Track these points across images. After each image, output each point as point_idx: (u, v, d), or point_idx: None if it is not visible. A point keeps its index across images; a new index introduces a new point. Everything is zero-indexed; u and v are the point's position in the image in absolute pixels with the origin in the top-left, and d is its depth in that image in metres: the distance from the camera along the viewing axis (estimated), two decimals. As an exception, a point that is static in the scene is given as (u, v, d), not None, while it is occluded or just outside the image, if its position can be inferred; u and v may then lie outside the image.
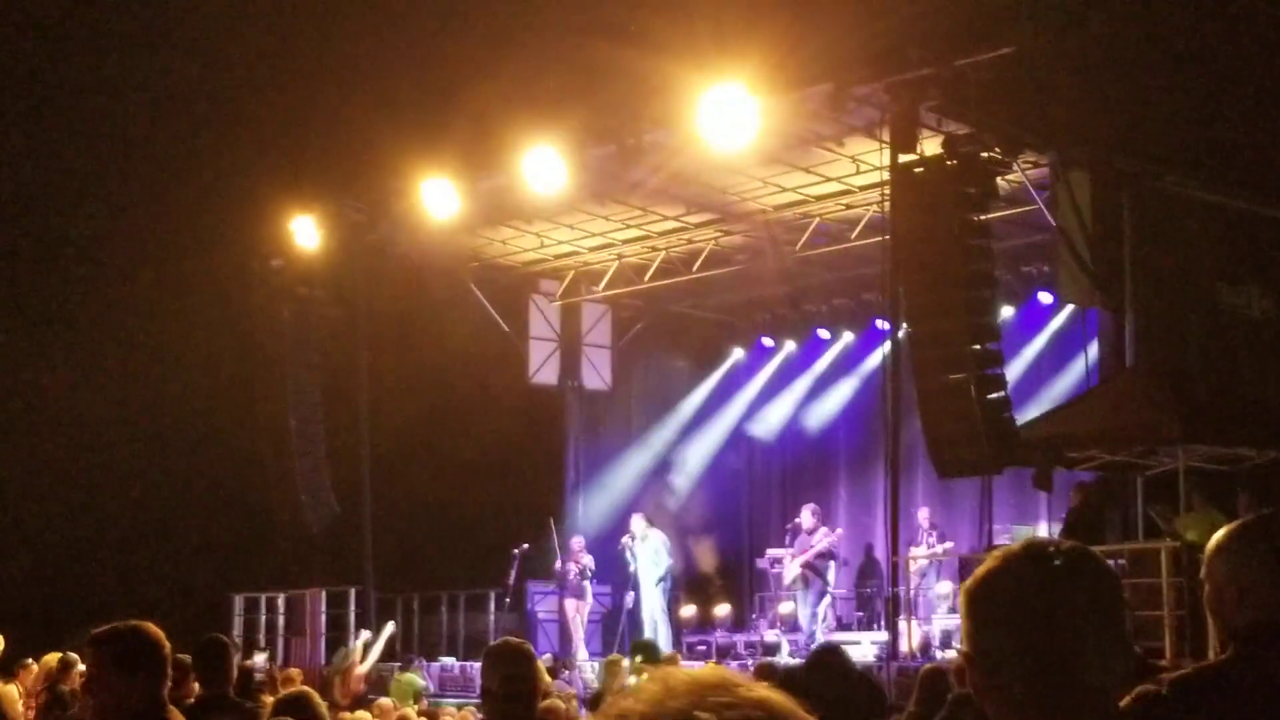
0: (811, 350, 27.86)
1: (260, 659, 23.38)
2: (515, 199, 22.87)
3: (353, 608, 24.93)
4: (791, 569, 22.35)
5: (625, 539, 23.43)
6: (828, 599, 22.53)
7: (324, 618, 25.25)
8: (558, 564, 24.06)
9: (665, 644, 21.97)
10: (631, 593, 23.40)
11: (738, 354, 28.90)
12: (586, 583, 23.85)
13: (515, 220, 24.43)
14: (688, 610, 25.13)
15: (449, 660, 23.96)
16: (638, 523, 23.52)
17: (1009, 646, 2.53)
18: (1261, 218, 20.09)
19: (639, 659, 12.24)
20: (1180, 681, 3.81)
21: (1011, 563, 2.60)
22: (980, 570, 2.62)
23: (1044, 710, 2.48)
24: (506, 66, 23.92)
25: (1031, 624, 2.52)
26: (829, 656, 6.56)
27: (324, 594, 25.28)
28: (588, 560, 23.95)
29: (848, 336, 27.12)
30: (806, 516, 22.79)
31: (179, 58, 27.52)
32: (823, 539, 22.31)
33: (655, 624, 23.16)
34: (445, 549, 25.72)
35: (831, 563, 22.59)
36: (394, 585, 24.96)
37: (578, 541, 24.13)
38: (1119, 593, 2.61)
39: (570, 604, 23.84)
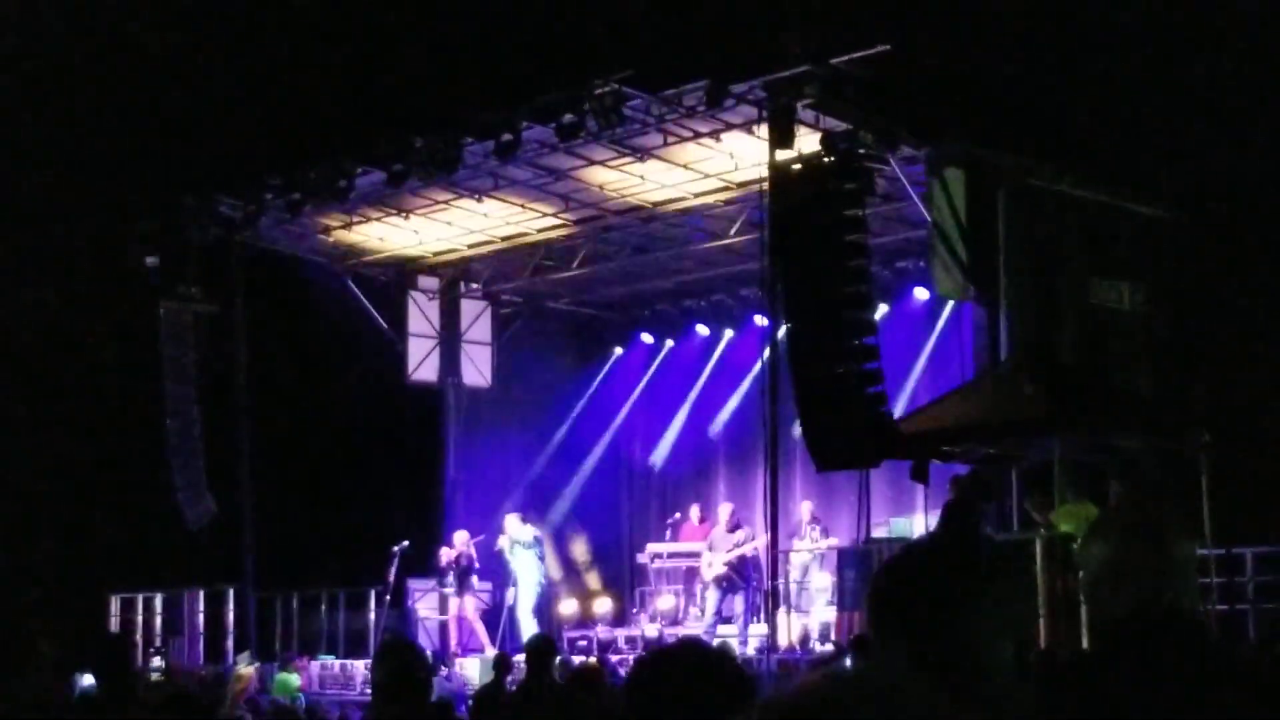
0: (691, 346, 27.98)
1: (157, 662, 23.28)
2: (392, 194, 22.87)
3: (231, 607, 24.74)
4: (715, 566, 22.29)
5: (502, 539, 23.36)
6: (747, 594, 22.45)
7: (202, 617, 25.04)
8: (444, 559, 23.78)
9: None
10: (513, 589, 23.37)
11: (618, 350, 28.95)
12: (473, 577, 23.76)
13: (392, 216, 24.35)
14: (568, 606, 25.18)
15: (329, 659, 23.84)
16: (513, 523, 23.45)
17: (903, 638, 2.59)
18: (1131, 213, 20.45)
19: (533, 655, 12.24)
20: (1062, 671, 3.87)
21: (910, 557, 2.66)
22: (883, 565, 2.68)
23: (941, 696, 2.54)
24: (382, 59, 23.87)
25: (924, 617, 2.58)
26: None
27: (202, 594, 25.06)
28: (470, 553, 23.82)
29: (727, 333, 27.25)
30: (724, 513, 22.94)
31: (50, 39, 27.10)
32: (747, 544, 22.22)
33: (528, 623, 23.07)
34: (325, 547, 25.54)
35: (756, 558, 22.64)
36: (273, 584, 24.78)
37: (460, 536, 23.96)
38: (1013, 583, 2.67)
39: (454, 601, 23.66)
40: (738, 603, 22.28)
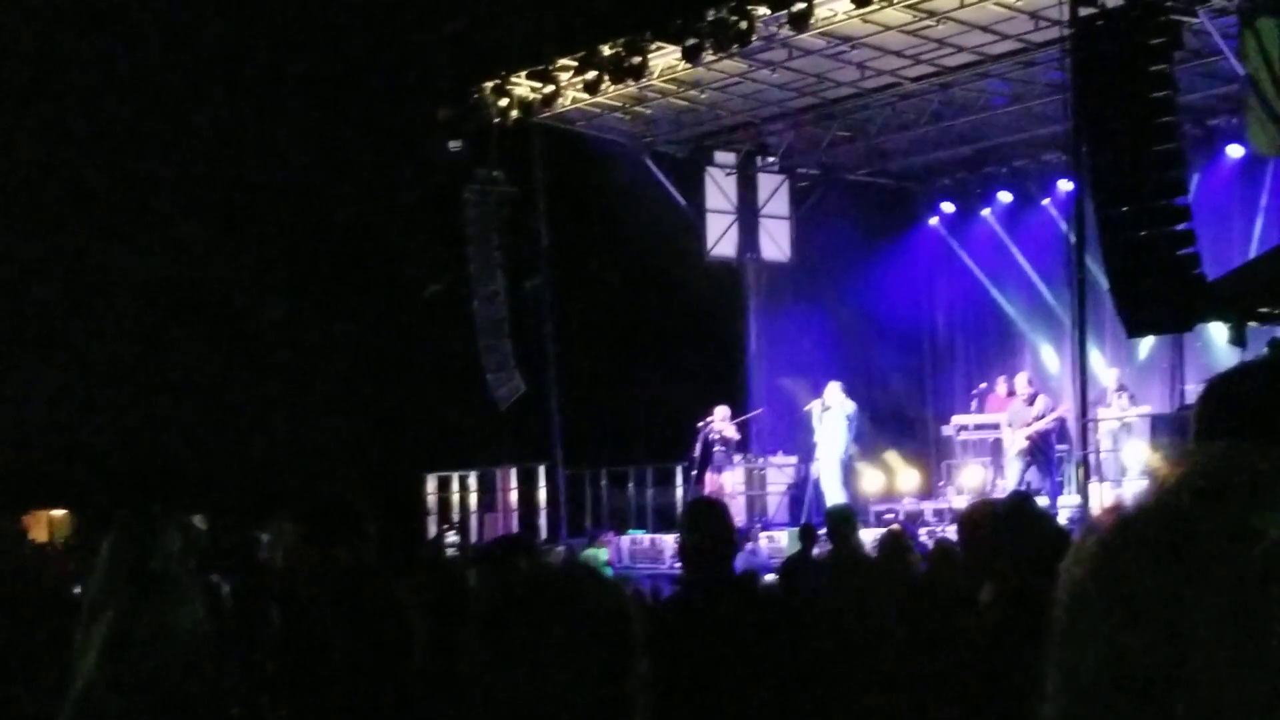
0: (993, 214, 27.47)
1: (451, 536, 23.96)
2: (687, 69, 22.82)
3: (542, 484, 25.29)
4: (1016, 439, 22.00)
5: (815, 404, 23.10)
6: (1050, 466, 22.08)
7: (515, 494, 25.65)
8: (705, 436, 23.76)
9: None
10: (816, 463, 23.31)
11: (918, 220, 28.59)
12: (734, 454, 23.89)
13: (688, 91, 24.34)
14: (873, 480, 25.04)
15: (639, 533, 24.21)
16: (833, 392, 23.05)
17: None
18: None
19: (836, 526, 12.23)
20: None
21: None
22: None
23: None
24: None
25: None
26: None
27: (514, 471, 25.66)
28: (730, 431, 23.84)
29: (1030, 198, 26.67)
30: (1022, 384, 22.49)
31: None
32: (1047, 415, 21.82)
33: (835, 495, 22.99)
34: (630, 424, 25.91)
35: (1056, 428, 22.26)
36: (582, 460, 25.23)
37: (721, 411, 23.92)
38: None
39: (710, 478, 23.69)
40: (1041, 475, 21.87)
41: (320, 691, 5.41)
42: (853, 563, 11.46)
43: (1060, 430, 23.69)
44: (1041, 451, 21.77)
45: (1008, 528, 4.64)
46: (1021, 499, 5.87)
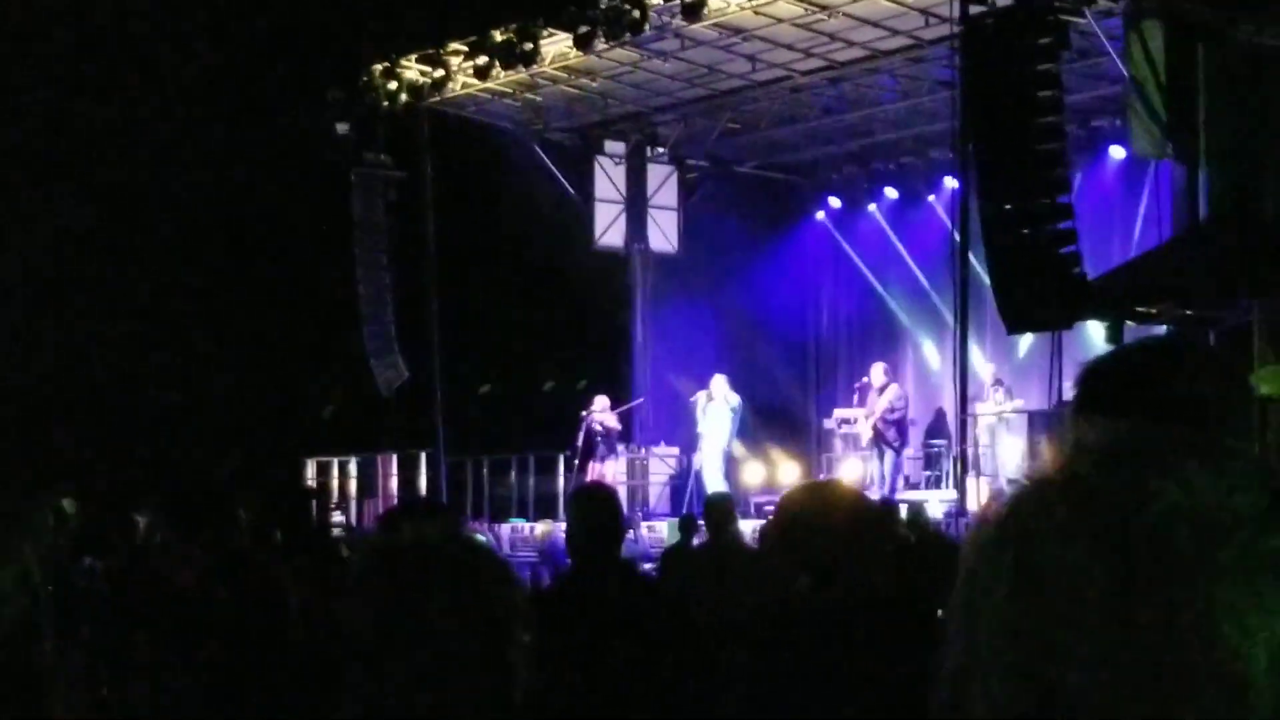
0: (879, 210, 27.67)
1: (338, 517, 23.81)
2: (578, 57, 22.77)
3: (423, 471, 25.17)
4: (865, 429, 22.23)
5: (701, 395, 23.18)
6: (894, 456, 22.34)
7: (395, 480, 25.51)
8: (587, 426, 23.74)
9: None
10: (698, 454, 23.37)
11: (806, 214, 28.72)
12: (616, 444, 23.85)
13: (579, 80, 24.29)
14: (754, 472, 25.14)
15: (519, 521, 24.14)
16: (719, 384, 23.15)
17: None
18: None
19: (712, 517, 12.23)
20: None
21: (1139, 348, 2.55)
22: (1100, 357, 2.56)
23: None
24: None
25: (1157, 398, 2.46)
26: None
27: (395, 458, 25.51)
28: (611, 421, 23.77)
29: (916, 195, 26.87)
30: (877, 374, 22.63)
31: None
32: (890, 395, 22.13)
33: (716, 486, 23.06)
34: (514, 413, 25.82)
35: (903, 418, 22.50)
36: (464, 448, 25.12)
37: (600, 401, 23.89)
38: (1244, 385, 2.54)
39: (592, 467, 23.60)
40: (886, 463, 22.11)
41: (193, 670, 5.35)
42: (730, 552, 11.48)
43: (936, 424, 23.99)
44: (887, 441, 21.99)
45: (820, 516, 4.60)
46: (831, 485, 5.88)
